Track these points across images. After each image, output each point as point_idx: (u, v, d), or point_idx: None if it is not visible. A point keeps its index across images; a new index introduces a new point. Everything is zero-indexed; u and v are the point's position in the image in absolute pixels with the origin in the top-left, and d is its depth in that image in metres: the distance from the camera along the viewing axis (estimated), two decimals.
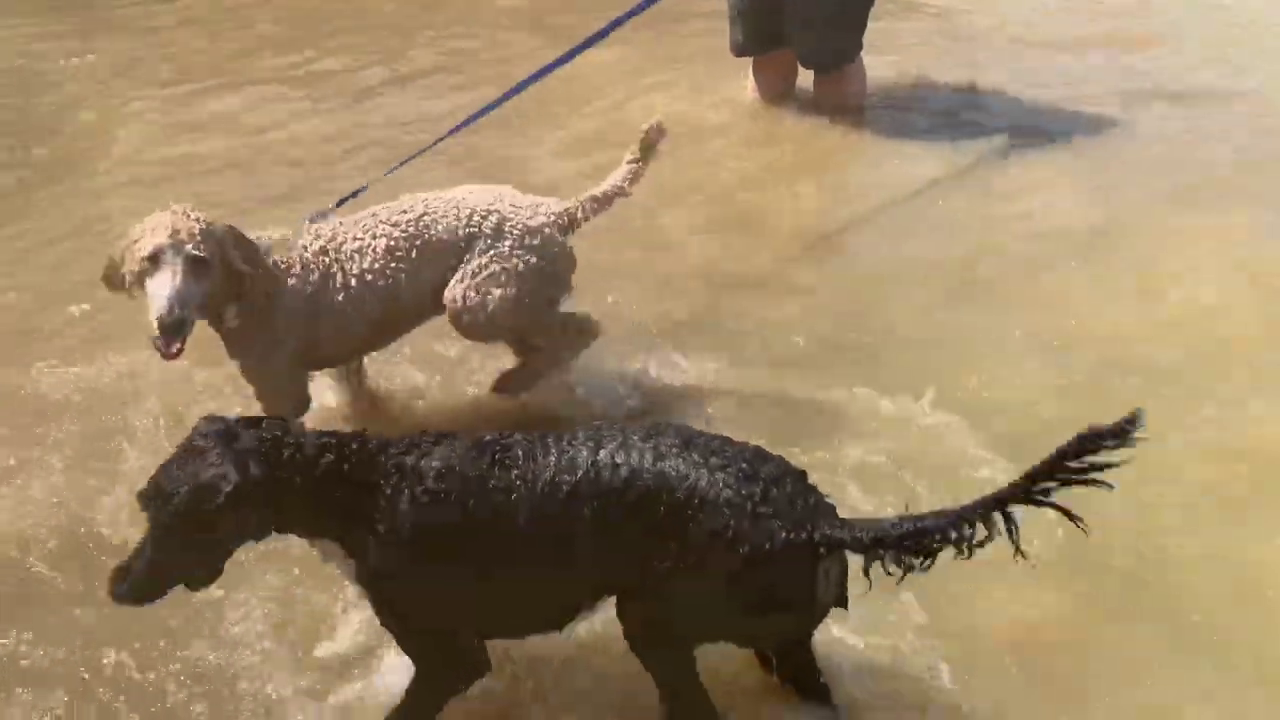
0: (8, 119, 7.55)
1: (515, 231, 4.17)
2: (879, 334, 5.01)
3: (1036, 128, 6.88)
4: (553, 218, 4.28)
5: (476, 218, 4.17)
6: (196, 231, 3.79)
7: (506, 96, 4.99)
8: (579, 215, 4.34)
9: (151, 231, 3.78)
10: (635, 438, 2.93)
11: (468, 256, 4.14)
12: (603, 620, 3.17)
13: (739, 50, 7.14)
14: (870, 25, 6.92)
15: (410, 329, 4.41)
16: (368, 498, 2.89)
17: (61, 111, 7.64)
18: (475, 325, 4.21)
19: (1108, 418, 2.52)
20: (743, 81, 7.30)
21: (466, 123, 4.87)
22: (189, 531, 2.79)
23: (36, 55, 8.55)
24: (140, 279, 3.81)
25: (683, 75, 7.76)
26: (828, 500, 2.93)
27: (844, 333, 5.02)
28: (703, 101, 7.35)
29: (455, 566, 2.94)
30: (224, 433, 2.86)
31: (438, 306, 4.25)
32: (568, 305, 4.41)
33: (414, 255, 4.11)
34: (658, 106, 7.28)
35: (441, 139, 4.90)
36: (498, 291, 4.13)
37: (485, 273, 4.13)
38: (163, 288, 3.73)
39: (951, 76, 7.52)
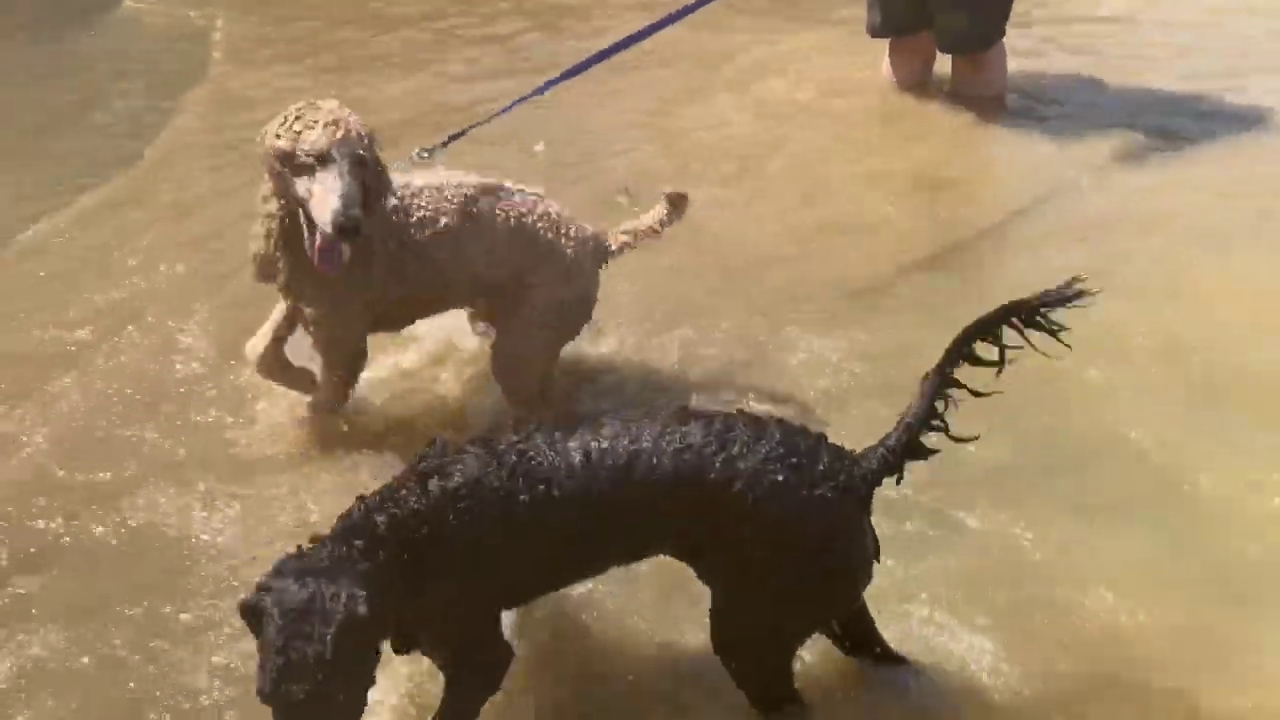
0: None
1: (564, 261, 4.01)
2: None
3: (1181, 123, 6.51)
4: (592, 247, 4.11)
5: (534, 224, 3.98)
6: (364, 132, 3.58)
7: (585, 65, 4.80)
8: (617, 248, 4.18)
9: (322, 125, 3.50)
10: (656, 425, 2.85)
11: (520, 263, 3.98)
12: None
13: (876, 31, 6.89)
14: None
15: (449, 309, 4.26)
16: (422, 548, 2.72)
17: None
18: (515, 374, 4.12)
19: None
20: (878, 64, 7.08)
21: (543, 89, 4.69)
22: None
23: None
24: (301, 171, 3.54)
25: (816, 54, 7.57)
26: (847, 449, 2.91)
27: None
28: (834, 84, 7.14)
29: (501, 571, 2.82)
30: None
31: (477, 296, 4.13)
32: None
33: (468, 239, 3.91)
34: (786, 82, 7.19)
35: (515, 104, 4.64)
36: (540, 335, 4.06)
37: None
38: (335, 187, 3.45)
39: (1089, 69, 7.19)
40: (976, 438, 2.92)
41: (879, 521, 2.92)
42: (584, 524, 2.81)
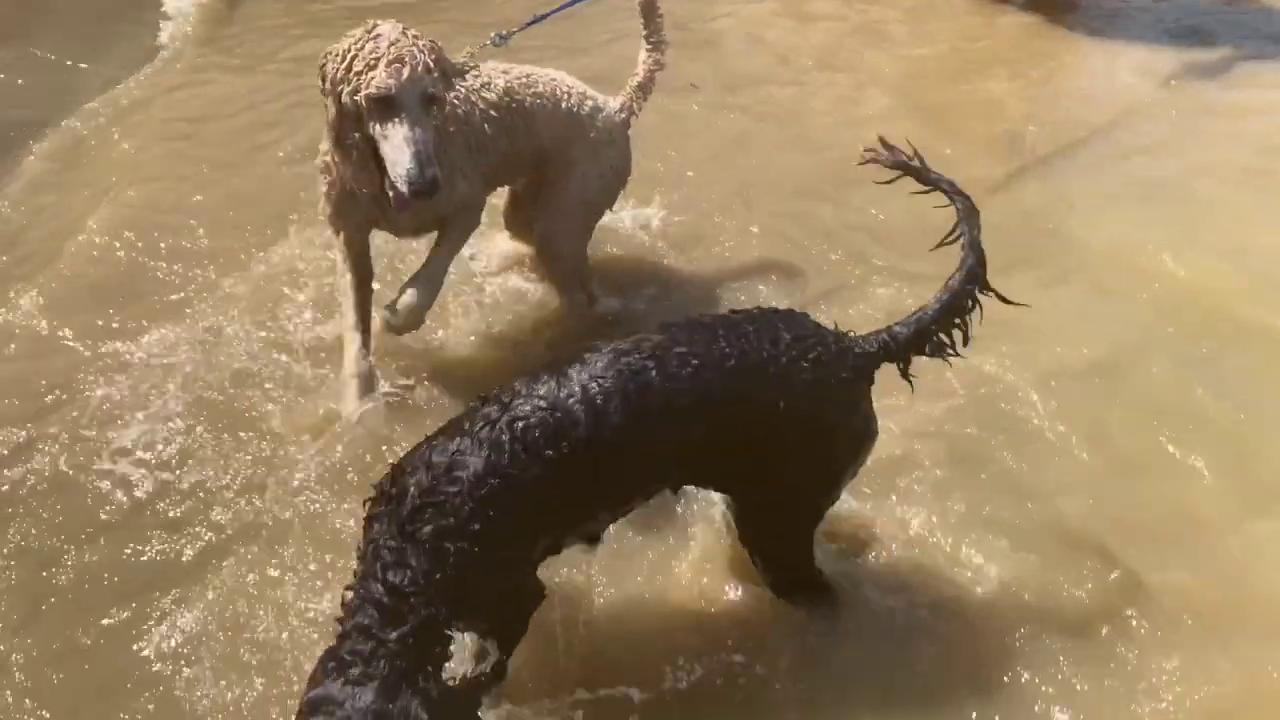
0: None
1: (601, 132, 4.02)
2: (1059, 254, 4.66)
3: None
4: (622, 117, 4.12)
5: (575, 99, 3.99)
6: (430, 60, 3.33)
7: None
8: (636, 111, 4.17)
9: (384, 64, 3.26)
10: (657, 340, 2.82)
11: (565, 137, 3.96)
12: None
13: None
14: None
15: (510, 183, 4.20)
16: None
17: None
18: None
19: None
20: None
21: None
22: None
23: None
24: (366, 119, 3.33)
25: None
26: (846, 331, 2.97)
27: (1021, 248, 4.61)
28: None
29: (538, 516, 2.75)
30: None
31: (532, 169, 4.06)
32: None
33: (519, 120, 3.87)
34: None
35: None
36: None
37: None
38: (406, 142, 3.26)
39: None
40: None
41: None
42: (603, 472, 2.76)
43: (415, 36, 3.34)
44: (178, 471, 3.59)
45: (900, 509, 3.49)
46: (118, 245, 4.55)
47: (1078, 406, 3.87)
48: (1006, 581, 3.28)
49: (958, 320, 2.96)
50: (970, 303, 2.96)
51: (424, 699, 2.44)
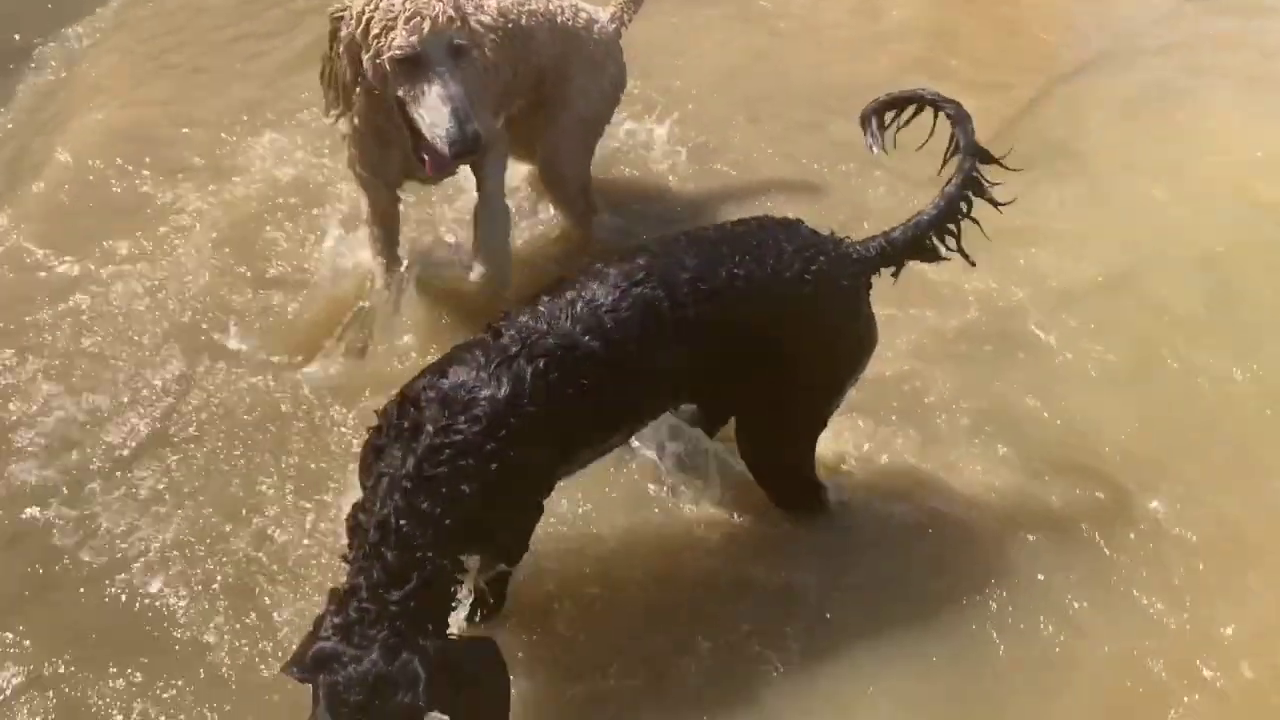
0: None
1: (596, 48, 3.92)
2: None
3: None
4: (613, 30, 4.01)
5: (568, 16, 3.87)
6: (453, 11, 3.16)
7: None
8: (627, 22, 4.07)
9: (403, 21, 3.10)
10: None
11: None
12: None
13: None
14: None
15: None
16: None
17: None
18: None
19: None
20: None
21: None
22: None
23: None
24: (392, 83, 3.19)
25: None
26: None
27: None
28: None
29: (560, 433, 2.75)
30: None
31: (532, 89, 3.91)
32: None
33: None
34: None
35: None
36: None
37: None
38: (441, 101, 3.11)
39: None
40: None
41: None
42: (619, 400, 2.80)
43: None
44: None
45: (905, 422, 3.50)
46: (110, 163, 4.53)
47: (1090, 320, 3.84)
48: (1008, 494, 3.30)
49: (951, 225, 2.96)
50: (966, 206, 2.96)
51: (424, 658, 2.45)
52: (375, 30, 3.13)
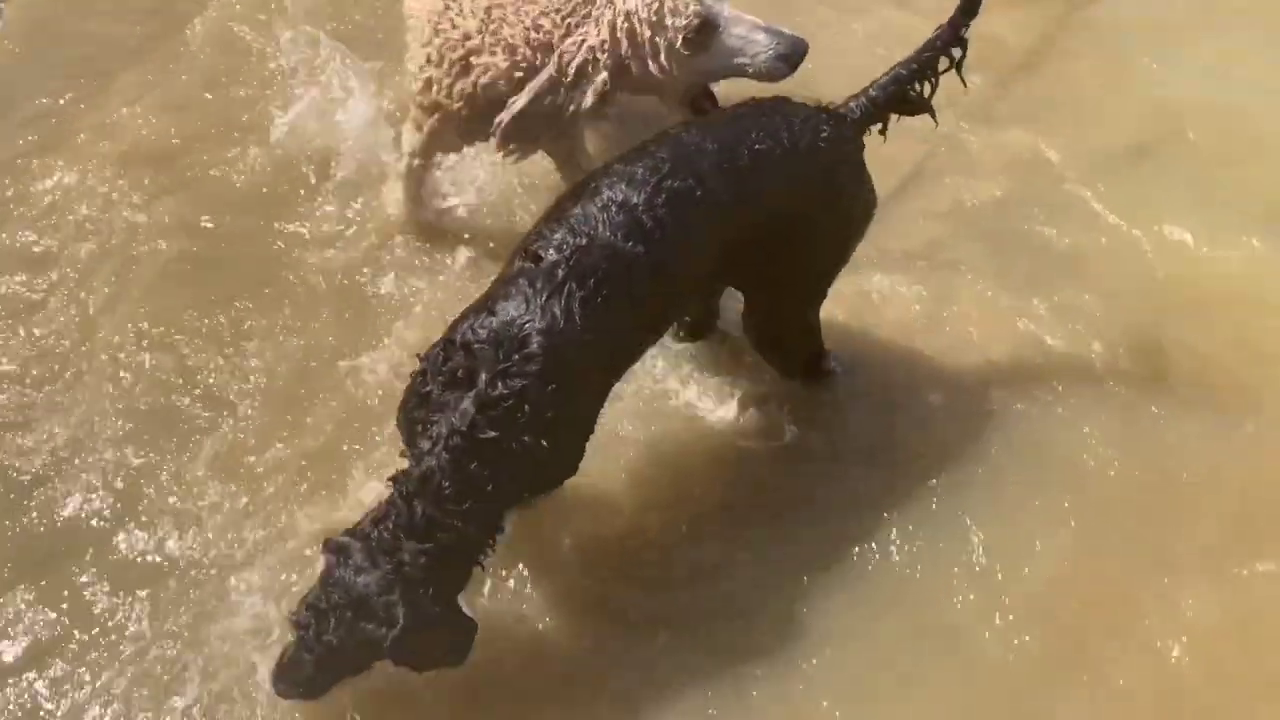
0: None
1: None
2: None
3: None
4: None
5: None
6: None
7: None
8: None
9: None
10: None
11: None
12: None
13: None
14: None
15: None
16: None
17: None
18: None
19: None
20: None
21: None
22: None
23: None
24: (689, 60, 3.16)
25: None
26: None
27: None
28: None
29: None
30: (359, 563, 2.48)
31: None
32: None
33: None
34: None
35: None
36: None
37: None
38: (748, 32, 3.13)
39: None
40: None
41: None
42: (664, 300, 2.78)
43: None
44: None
45: (929, 285, 3.58)
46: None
47: (1120, 185, 3.84)
48: (1026, 356, 3.40)
49: (930, 75, 2.97)
50: (949, 61, 2.96)
51: (412, 612, 2.43)
52: (650, 31, 3.12)
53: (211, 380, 3.31)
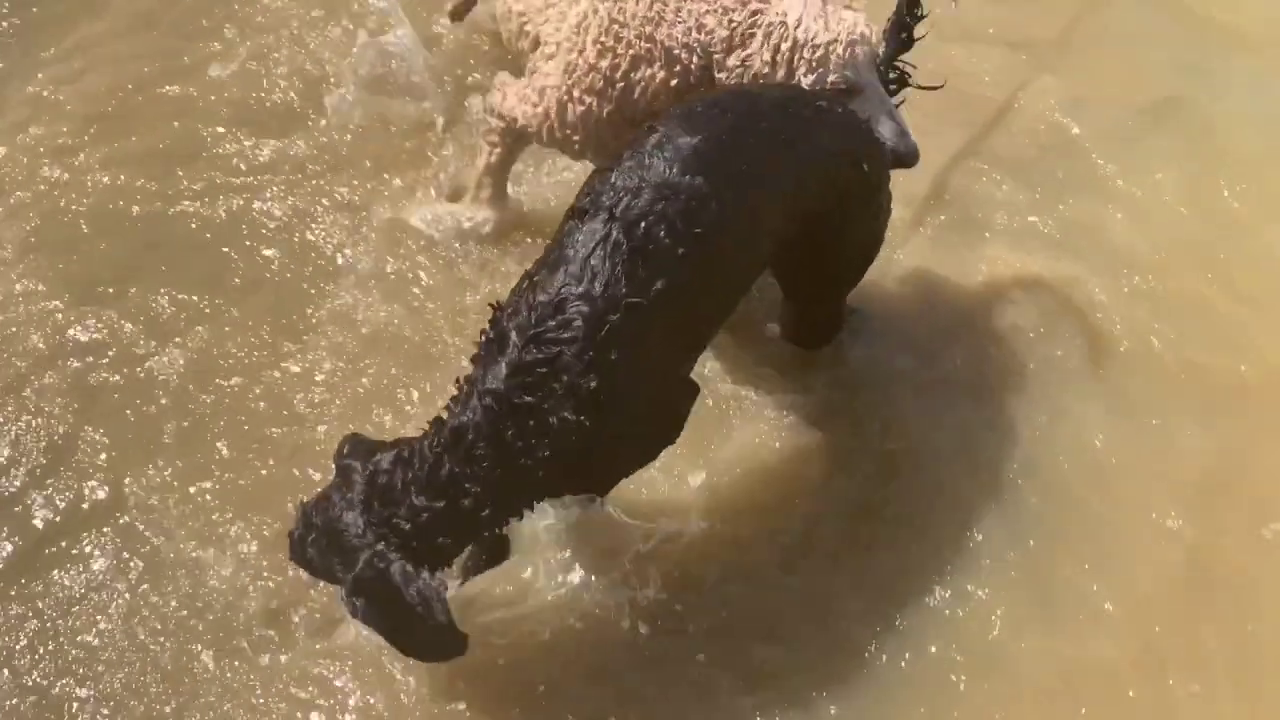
0: None
1: None
2: None
3: None
4: None
5: None
6: (869, 28, 2.93)
7: None
8: None
9: (843, 47, 2.86)
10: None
11: None
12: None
13: None
14: None
15: None
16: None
17: None
18: None
19: None
20: None
21: None
22: None
23: None
24: None
25: None
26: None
27: None
28: None
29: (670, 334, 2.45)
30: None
31: None
32: None
33: None
34: None
35: None
36: None
37: None
38: (885, 119, 2.90)
39: None
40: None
41: None
42: (727, 257, 2.52)
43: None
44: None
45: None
46: None
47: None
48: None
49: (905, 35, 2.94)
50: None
51: (381, 579, 2.27)
52: (807, 71, 2.86)
53: None
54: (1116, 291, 3.47)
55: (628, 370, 2.30)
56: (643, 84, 2.99)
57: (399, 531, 2.28)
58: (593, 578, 2.79)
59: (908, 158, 2.91)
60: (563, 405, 2.26)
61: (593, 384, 2.25)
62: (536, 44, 3.26)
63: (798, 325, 3.17)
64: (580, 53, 3.04)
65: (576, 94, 3.09)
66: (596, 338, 2.25)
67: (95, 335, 3.22)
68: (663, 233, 2.30)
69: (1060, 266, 3.51)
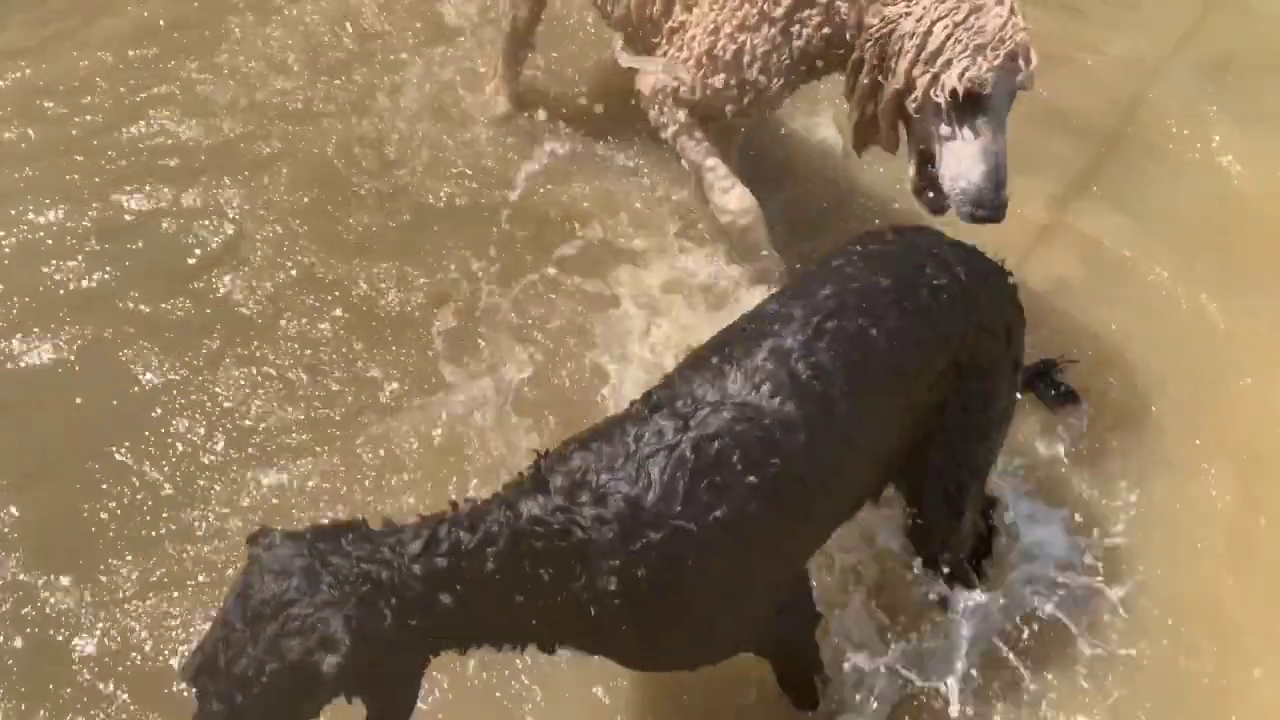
0: None
1: None
2: None
3: None
4: None
5: None
6: (1030, 48, 2.57)
7: None
8: None
9: (991, 51, 2.53)
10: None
11: None
12: None
13: None
14: None
15: None
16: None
17: None
18: None
19: None
20: None
21: None
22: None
23: None
24: (935, 115, 2.61)
25: None
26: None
27: None
28: None
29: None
30: (305, 567, 1.86)
31: None
32: None
33: None
34: None
35: None
36: None
37: None
38: (981, 153, 2.57)
39: None
40: None
41: None
42: (821, 486, 2.21)
43: (1017, 11, 2.60)
44: None
45: None
46: None
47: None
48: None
49: None
50: None
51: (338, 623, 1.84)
52: (950, 47, 2.55)
53: None
54: None
55: (651, 586, 2.03)
56: (799, 24, 2.78)
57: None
58: None
59: (974, 212, 2.60)
60: (572, 582, 2.01)
61: (610, 586, 2.00)
62: (669, 6, 3.00)
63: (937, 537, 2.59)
64: None
65: (728, 30, 2.86)
66: (628, 548, 2.00)
67: None
68: (735, 458, 2.07)
69: None
